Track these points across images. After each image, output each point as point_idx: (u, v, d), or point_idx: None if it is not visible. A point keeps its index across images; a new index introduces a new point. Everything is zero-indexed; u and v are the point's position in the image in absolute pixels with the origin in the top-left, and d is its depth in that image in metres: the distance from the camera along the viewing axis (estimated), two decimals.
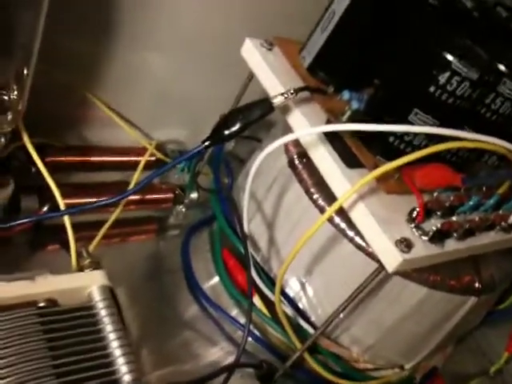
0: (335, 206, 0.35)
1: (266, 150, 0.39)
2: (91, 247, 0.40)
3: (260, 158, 0.39)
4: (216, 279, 0.52)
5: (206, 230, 0.57)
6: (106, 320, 0.32)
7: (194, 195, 0.55)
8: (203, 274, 0.53)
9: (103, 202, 0.39)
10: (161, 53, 0.52)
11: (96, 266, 0.35)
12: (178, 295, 0.50)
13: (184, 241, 0.53)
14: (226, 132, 0.38)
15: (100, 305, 0.33)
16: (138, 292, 0.48)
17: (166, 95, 0.54)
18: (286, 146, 0.47)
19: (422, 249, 0.35)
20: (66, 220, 0.39)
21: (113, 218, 0.44)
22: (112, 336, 0.32)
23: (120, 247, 0.53)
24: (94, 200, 0.42)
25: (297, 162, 0.46)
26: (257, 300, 0.48)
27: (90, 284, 0.33)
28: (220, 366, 0.41)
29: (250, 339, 0.48)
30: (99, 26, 0.47)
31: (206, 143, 0.38)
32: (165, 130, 0.57)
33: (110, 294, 0.34)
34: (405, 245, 0.34)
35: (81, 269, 0.35)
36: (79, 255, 0.37)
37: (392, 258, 0.34)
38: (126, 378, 0.30)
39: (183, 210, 0.56)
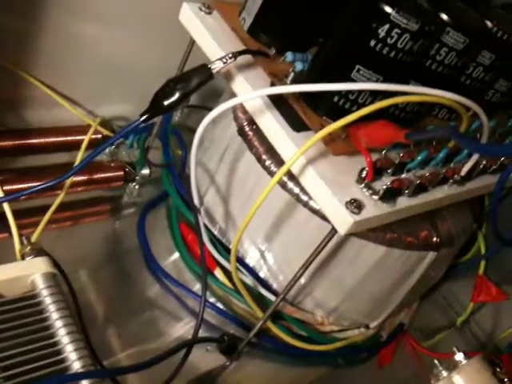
0: (283, 170, 0.34)
1: (208, 117, 0.37)
2: (35, 233, 0.39)
3: (202, 125, 0.38)
4: (177, 255, 0.51)
5: (164, 205, 0.55)
6: (52, 307, 0.31)
7: (145, 171, 0.53)
8: (164, 251, 0.52)
9: (41, 187, 0.37)
10: (98, 23, 0.49)
11: (38, 252, 0.33)
12: (139, 274, 0.49)
13: (140, 219, 0.52)
14: (166, 103, 0.36)
15: (44, 292, 0.32)
16: (98, 274, 0.47)
17: (107, 69, 0.52)
18: (235, 113, 0.46)
19: (373, 209, 0.34)
20: (6, 207, 0.37)
21: (57, 202, 0.42)
22: (59, 323, 0.31)
23: (75, 230, 0.51)
24: (37, 184, 0.40)
25: (247, 128, 0.44)
26: (218, 272, 0.48)
27: (33, 272, 0.32)
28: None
29: (214, 313, 0.48)
30: None
31: (144, 116, 0.36)
32: (110, 106, 0.55)
33: (55, 280, 0.32)
34: (355, 206, 0.33)
35: (22, 257, 0.34)
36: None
37: (343, 220, 0.33)
38: (75, 365, 0.29)
39: (136, 187, 0.54)
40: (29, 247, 0.34)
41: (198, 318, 0.40)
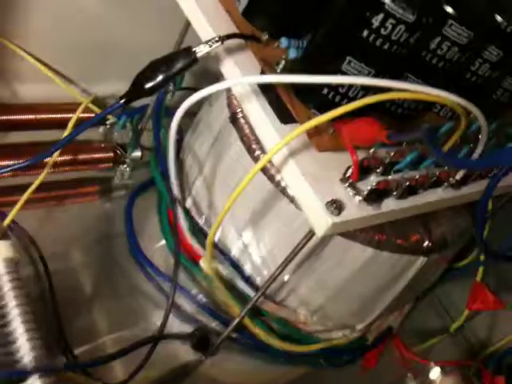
0: (264, 159, 0.33)
1: (186, 102, 0.36)
2: (11, 214, 0.37)
3: (181, 110, 0.36)
4: (164, 242, 0.50)
5: (155, 190, 0.54)
6: (10, 294, 0.30)
7: (136, 154, 0.51)
8: (151, 237, 0.50)
9: (21, 165, 0.36)
10: None
11: (2, 236, 0.32)
12: (125, 259, 0.48)
13: (127, 204, 0.50)
14: (147, 86, 0.35)
15: (4, 278, 0.30)
16: (83, 257, 0.46)
17: (102, 46, 0.50)
18: (229, 98, 0.44)
19: (355, 210, 0.32)
20: None
21: (37, 182, 0.41)
22: (15, 311, 0.29)
23: (62, 211, 0.50)
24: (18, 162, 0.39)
25: (239, 115, 0.42)
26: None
27: None
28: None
29: (195, 305, 0.47)
30: None
31: (125, 99, 0.34)
32: (104, 85, 0.53)
33: (17, 266, 0.31)
34: (335, 207, 0.31)
35: None
36: None
37: (321, 221, 0.31)
38: (28, 356, 0.28)
39: (127, 169, 0.52)
40: None
41: (166, 310, 0.38)
